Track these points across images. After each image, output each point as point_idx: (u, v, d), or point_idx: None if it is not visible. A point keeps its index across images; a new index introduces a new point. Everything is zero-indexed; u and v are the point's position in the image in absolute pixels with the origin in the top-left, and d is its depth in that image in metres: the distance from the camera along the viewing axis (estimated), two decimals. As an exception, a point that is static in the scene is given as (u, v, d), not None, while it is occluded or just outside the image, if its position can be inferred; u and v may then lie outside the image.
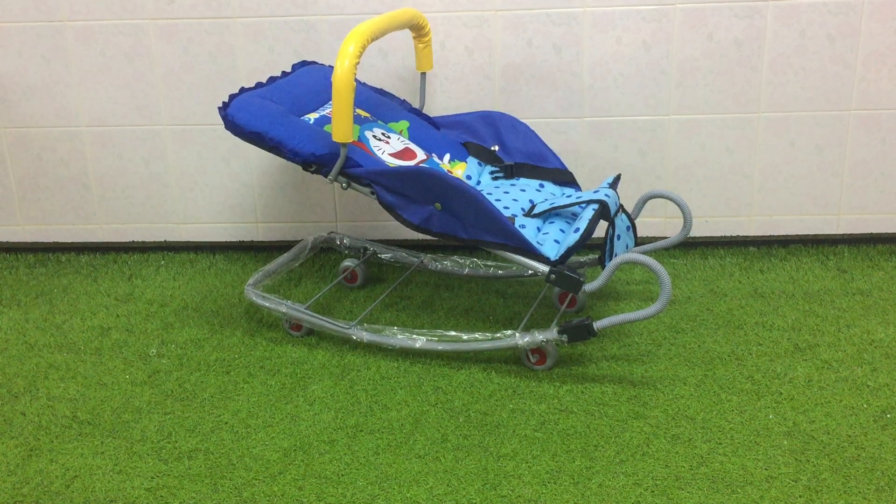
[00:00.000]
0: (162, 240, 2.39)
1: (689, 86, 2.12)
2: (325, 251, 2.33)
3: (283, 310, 1.87)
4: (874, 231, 2.23)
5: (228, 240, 2.37)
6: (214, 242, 2.38)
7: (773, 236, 2.26)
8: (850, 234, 2.24)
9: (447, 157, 1.93)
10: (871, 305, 1.94)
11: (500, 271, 2.11)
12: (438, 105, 2.18)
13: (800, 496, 1.35)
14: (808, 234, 2.25)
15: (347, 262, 2.15)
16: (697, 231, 2.24)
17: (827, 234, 2.25)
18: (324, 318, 1.85)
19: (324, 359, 1.83)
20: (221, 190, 2.31)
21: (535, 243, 1.66)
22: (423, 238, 2.32)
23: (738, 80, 2.10)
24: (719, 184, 2.21)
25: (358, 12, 2.11)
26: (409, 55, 2.14)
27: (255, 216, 2.35)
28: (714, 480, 1.40)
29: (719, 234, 2.25)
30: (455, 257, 2.14)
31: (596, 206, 1.69)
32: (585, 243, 1.62)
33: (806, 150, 2.16)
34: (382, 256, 2.18)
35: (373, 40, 1.62)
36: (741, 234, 2.26)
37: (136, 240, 2.39)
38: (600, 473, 1.43)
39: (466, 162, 1.95)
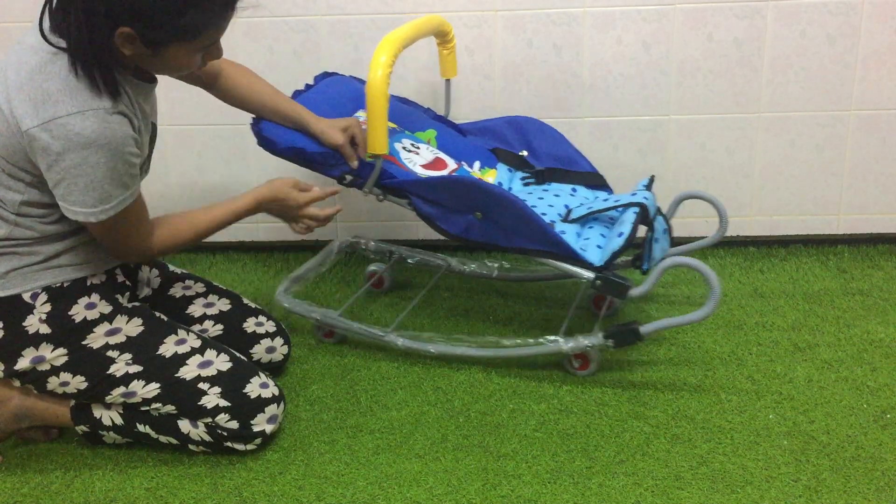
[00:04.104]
0: (162, 240, 2.39)
1: (689, 86, 2.12)
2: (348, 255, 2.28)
3: (317, 317, 1.83)
4: (874, 231, 2.23)
5: (228, 240, 2.37)
6: (214, 243, 2.38)
7: (773, 236, 2.26)
8: (850, 234, 2.24)
9: (477, 164, 1.88)
10: (871, 305, 1.94)
11: (531, 274, 2.07)
12: (439, 107, 2.18)
13: (800, 496, 1.35)
14: (808, 234, 2.25)
15: (373, 267, 2.11)
16: (697, 231, 2.24)
17: (827, 234, 2.25)
18: (359, 325, 1.81)
19: (324, 359, 1.83)
20: (221, 190, 2.31)
21: (577, 249, 1.63)
22: (425, 239, 2.32)
23: (738, 80, 2.10)
24: (719, 184, 2.20)
25: (357, 12, 2.11)
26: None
27: (255, 216, 2.34)
28: (714, 480, 1.40)
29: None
30: (485, 260, 2.09)
31: (636, 209, 1.66)
32: (629, 247, 1.58)
33: (806, 150, 2.16)
34: (409, 260, 2.13)
35: (403, 48, 1.59)
36: (741, 234, 2.26)
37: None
38: (600, 473, 1.43)
39: (496, 169, 1.91)
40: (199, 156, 2.29)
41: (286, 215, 1.65)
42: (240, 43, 2.15)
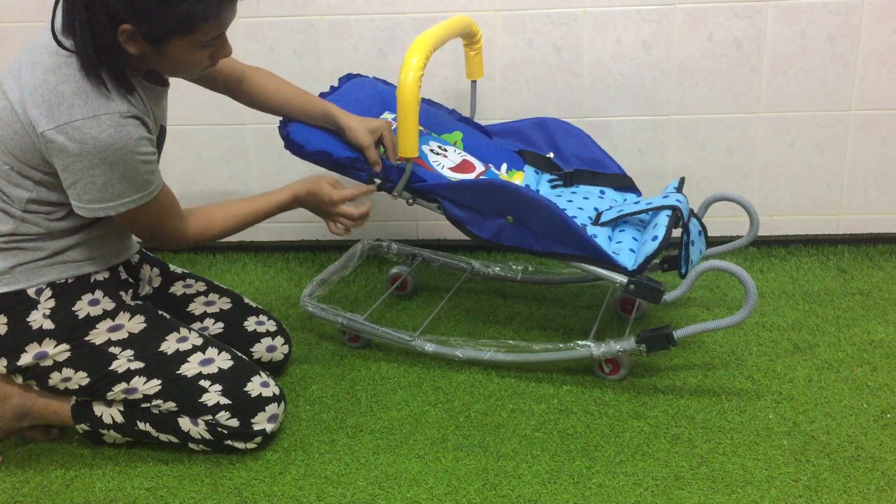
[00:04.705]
0: (162, 240, 2.39)
1: (689, 86, 2.12)
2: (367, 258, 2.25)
3: (342, 321, 1.82)
4: (874, 231, 2.23)
5: (228, 240, 2.37)
6: (214, 242, 2.38)
7: (773, 236, 2.26)
8: (850, 234, 2.24)
9: (504, 166, 1.86)
10: (871, 305, 1.94)
11: (556, 277, 2.05)
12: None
13: (800, 496, 1.35)
14: (808, 234, 2.25)
15: (396, 270, 2.09)
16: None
17: (827, 234, 2.25)
18: (385, 330, 1.79)
19: (324, 359, 1.83)
20: (221, 190, 2.31)
21: (611, 253, 1.61)
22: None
23: (738, 80, 2.10)
24: (719, 184, 2.20)
25: (357, 12, 2.11)
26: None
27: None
28: (714, 480, 1.40)
29: (720, 234, 2.25)
30: (510, 263, 2.07)
31: (669, 212, 1.64)
32: (662, 251, 1.56)
33: (806, 150, 2.16)
34: (432, 264, 2.12)
35: (434, 50, 1.57)
36: (742, 234, 2.26)
37: (136, 240, 2.39)
38: (600, 473, 1.43)
39: (524, 171, 1.89)
40: (199, 156, 2.29)
41: (321, 211, 1.66)
42: (240, 43, 2.15)
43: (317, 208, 1.65)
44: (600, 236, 1.68)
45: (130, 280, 1.58)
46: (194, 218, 1.50)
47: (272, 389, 1.52)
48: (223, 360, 1.51)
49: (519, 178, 1.84)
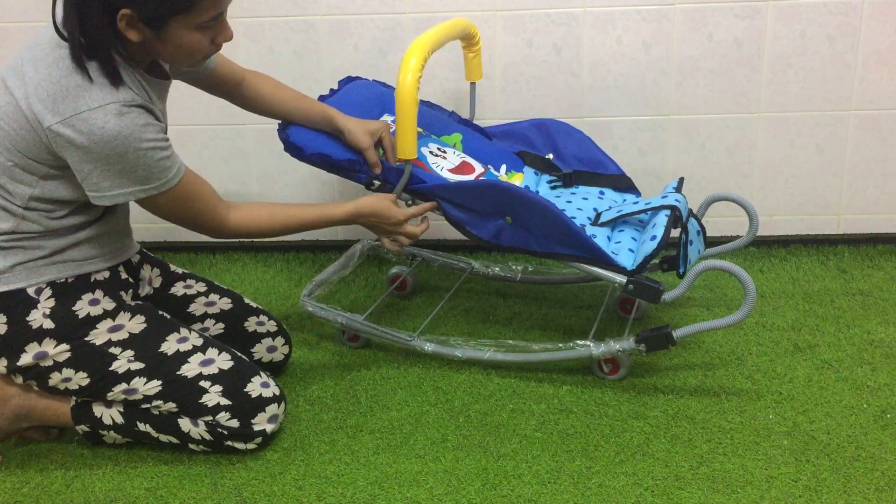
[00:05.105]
0: (162, 240, 2.40)
1: (689, 86, 2.12)
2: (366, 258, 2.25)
3: (341, 321, 1.82)
4: (874, 231, 2.23)
5: (229, 240, 2.37)
6: (214, 243, 2.38)
7: (773, 236, 2.26)
8: (850, 234, 2.24)
9: (503, 168, 1.86)
10: (871, 305, 1.94)
11: (555, 277, 2.05)
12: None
13: (800, 496, 1.35)
14: (808, 234, 2.25)
15: (395, 270, 2.10)
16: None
17: (827, 234, 2.25)
18: (384, 330, 1.79)
19: (324, 359, 1.83)
20: (221, 190, 2.31)
21: (610, 253, 1.62)
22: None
23: (738, 80, 2.10)
24: (719, 184, 2.20)
25: (357, 12, 2.11)
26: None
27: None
28: (714, 480, 1.40)
29: (719, 234, 2.25)
30: (509, 263, 2.07)
31: (668, 212, 1.65)
32: (661, 251, 1.57)
33: (806, 150, 2.16)
34: (431, 264, 2.12)
35: (432, 52, 1.57)
36: (741, 234, 2.26)
37: (136, 240, 2.39)
38: (600, 473, 1.43)
39: (523, 172, 1.88)
40: (199, 156, 2.29)
41: (382, 230, 1.65)
42: (240, 43, 2.15)
43: (377, 227, 1.64)
44: (599, 236, 1.68)
45: (131, 280, 1.58)
46: (240, 210, 1.50)
47: (272, 390, 1.52)
48: (223, 361, 1.51)
49: (518, 180, 1.85)
